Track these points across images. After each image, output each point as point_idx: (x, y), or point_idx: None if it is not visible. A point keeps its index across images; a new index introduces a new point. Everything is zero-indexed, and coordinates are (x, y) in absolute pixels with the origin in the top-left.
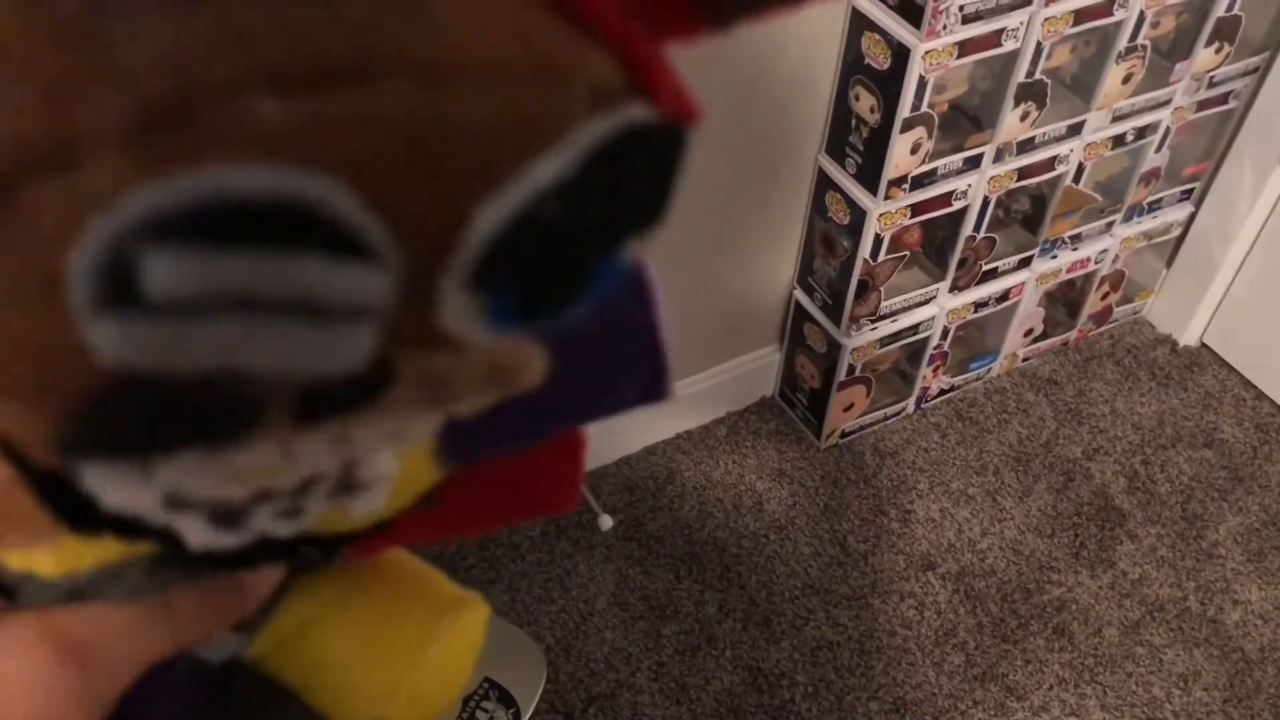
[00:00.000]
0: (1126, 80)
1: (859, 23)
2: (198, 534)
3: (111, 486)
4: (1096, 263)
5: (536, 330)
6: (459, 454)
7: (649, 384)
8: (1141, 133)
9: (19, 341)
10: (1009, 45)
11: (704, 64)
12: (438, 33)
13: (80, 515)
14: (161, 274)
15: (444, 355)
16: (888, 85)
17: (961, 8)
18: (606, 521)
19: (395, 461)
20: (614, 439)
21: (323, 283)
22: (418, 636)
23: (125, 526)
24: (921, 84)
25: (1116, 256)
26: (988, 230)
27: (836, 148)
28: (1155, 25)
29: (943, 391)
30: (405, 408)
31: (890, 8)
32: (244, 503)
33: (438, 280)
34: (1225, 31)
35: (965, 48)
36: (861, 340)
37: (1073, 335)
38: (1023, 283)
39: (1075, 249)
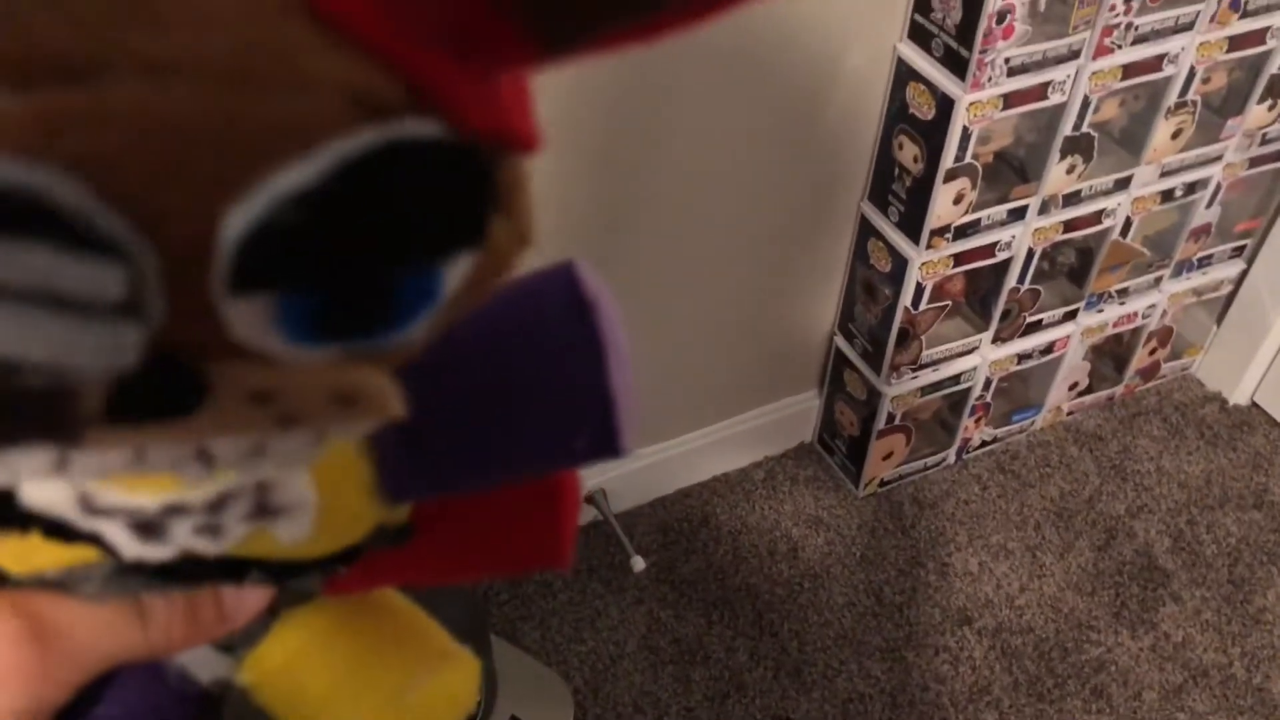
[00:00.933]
0: (1176, 135)
1: (904, 73)
2: (124, 543)
3: None
4: (1144, 318)
5: (357, 349)
6: (397, 491)
7: (599, 436)
8: (1191, 188)
9: None
10: (1055, 98)
11: (750, 108)
12: (168, 32)
13: (3, 513)
14: None
15: (262, 370)
16: (931, 135)
17: (1008, 60)
18: (639, 563)
19: (311, 489)
20: (649, 479)
21: (55, 271)
22: (398, 682)
23: (54, 529)
24: (965, 135)
25: (1165, 312)
26: (1032, 282)
27: (879, 195)
28: (1206, 81)
29: (984, 443)
30: (246, 422)
31: (936, 59)
32: (157, 515)
33: (202, 286)
34: (1278, 88)
35: (1011, 100)
36: (902, 389)
37: (1119, 390)
38: (1068, 336)
39: (1122, 303)
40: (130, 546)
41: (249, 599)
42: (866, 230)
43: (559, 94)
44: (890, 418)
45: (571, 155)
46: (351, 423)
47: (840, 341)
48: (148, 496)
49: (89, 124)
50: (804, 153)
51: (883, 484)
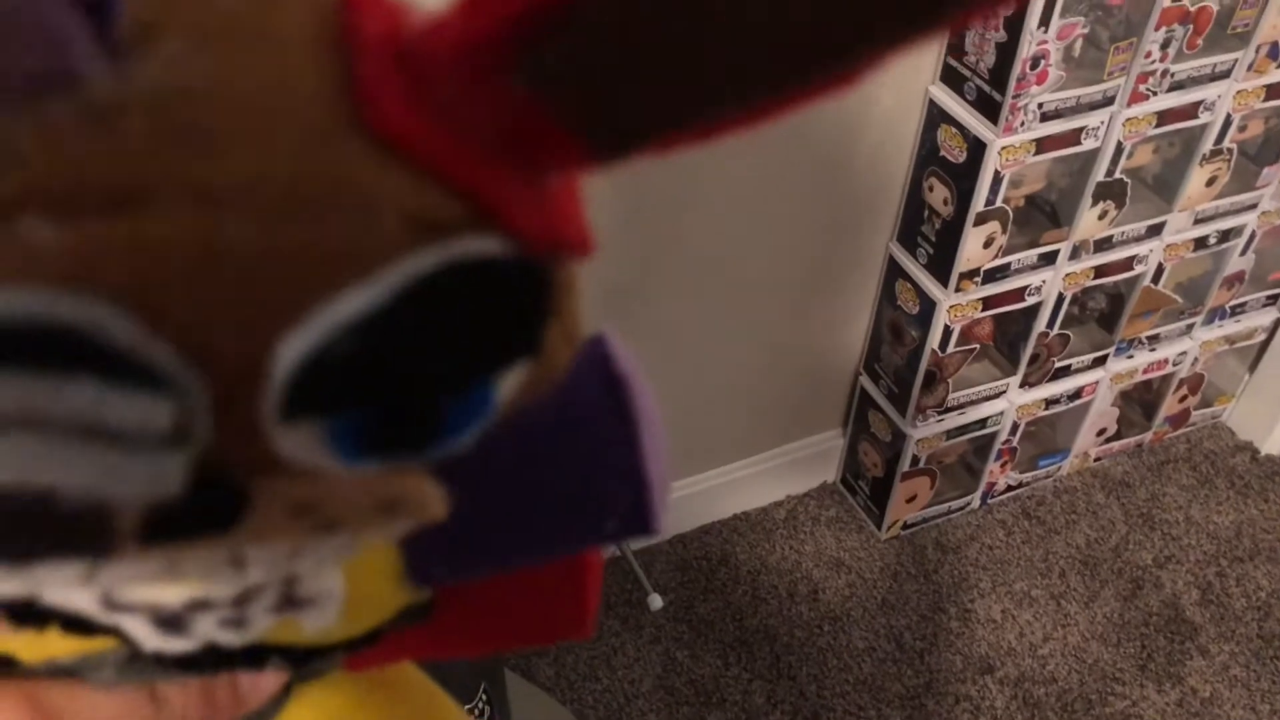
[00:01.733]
0: (1211, 183)
1: (935, 115)
2: (146, 636)
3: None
4: (1175, 365)
5: (405, 463)
6: (426, 577)
7: (630, 515)
8: (1225, 236)
9: None
10: (1089, 144)
11: (781, 148)
12: (220, 161)
13: (23, 611)
14: None
15: (306, 484)
16: (962, 178)
17: (1041, 105)
18: (656, 601)
19: (339, 580)
20: (669, 516)
21: (102, 405)
22: None
23: (74, 624)
24: (997, 179)
25: (1196, 359)
26: (1062, 327)
27: (908, 237)
28: (1243, 129)
29: (1010, 488)
30: (285, 533)
31: (968, 102)
32: (181, 610)
33: (253, 412)
34: None
35: (1043, 145)
36: (927, 431)
37: (1147, 437)
38: (1096, 381)
39: (1153, 350)
40: (151, 639)
41: (264, 680)
42: (895, 271)
43: None
44: (915, 460)
45: (590, 194)
46: (392, 527)
47: (866, 382)
48: (172, 594)
49: (134, 254)
50: (834, 193)
51: (906, 527)
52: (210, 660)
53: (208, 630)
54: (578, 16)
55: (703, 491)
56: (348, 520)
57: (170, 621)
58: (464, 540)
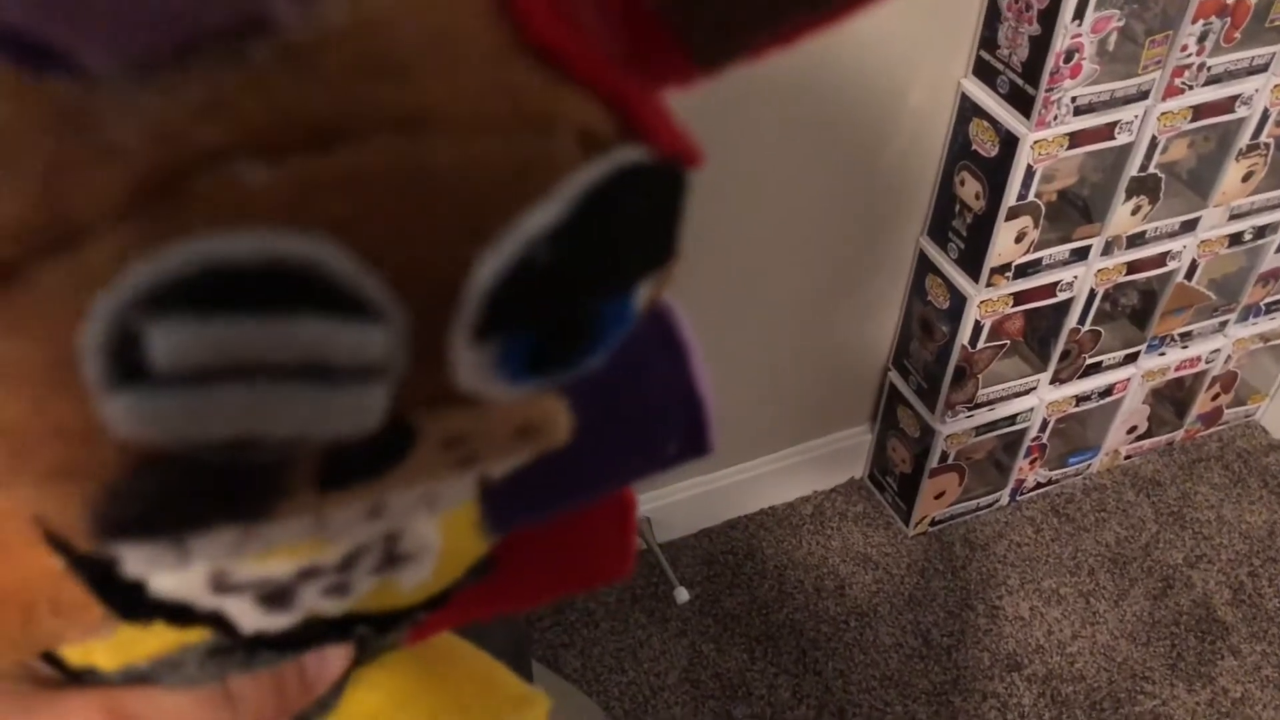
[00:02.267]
0: (1247, 178)
1: (967, 109)
2: (248, 616)
3: (150, 568)
4: (1207, 362)
5: (554, 382)
6: (502, 522)
7: (689, 437)
8: (1261, 232)
9: (44, 424)
10: (1122, 139)
11: (812, 141)
12: (416, 87)
13: (130, 603)
14: (165, 345)
15: (464, 414)
16: (994, 173)
17: (1074, 99)
18: (683, 594)
19: (437, 531)
20: (695, 510)
21: (326, 342)
22: None
23: (176, 613)
24: (1029, 173)
25: (1229, 357)
26: (1093, 323)
27: (939, 231)
28: None
29: (1039, 485)
30: (433, 470)
31: (1000, 95)
32: (290, 581)
33: (445, 335)
34: None
35: (1076, 139)
36: (956, 427)
37: (1179, 435)
38: (1128, 378)
39: (1185, 347)
40: (251, 619)
41: (331, 664)
42: (925, 266)
43: None
44: (944, 456)
45: None
46: (523, 453)
47: (895, 377)
48: (282, 564)
49: (348, 187)
50: (864, 186)
51: (934, 523)
52: (304, 636)
53: (312, 601)
54: None
55: (729, 486)
56: (491, 451)
57: (276, 596)
58: (539, 480)
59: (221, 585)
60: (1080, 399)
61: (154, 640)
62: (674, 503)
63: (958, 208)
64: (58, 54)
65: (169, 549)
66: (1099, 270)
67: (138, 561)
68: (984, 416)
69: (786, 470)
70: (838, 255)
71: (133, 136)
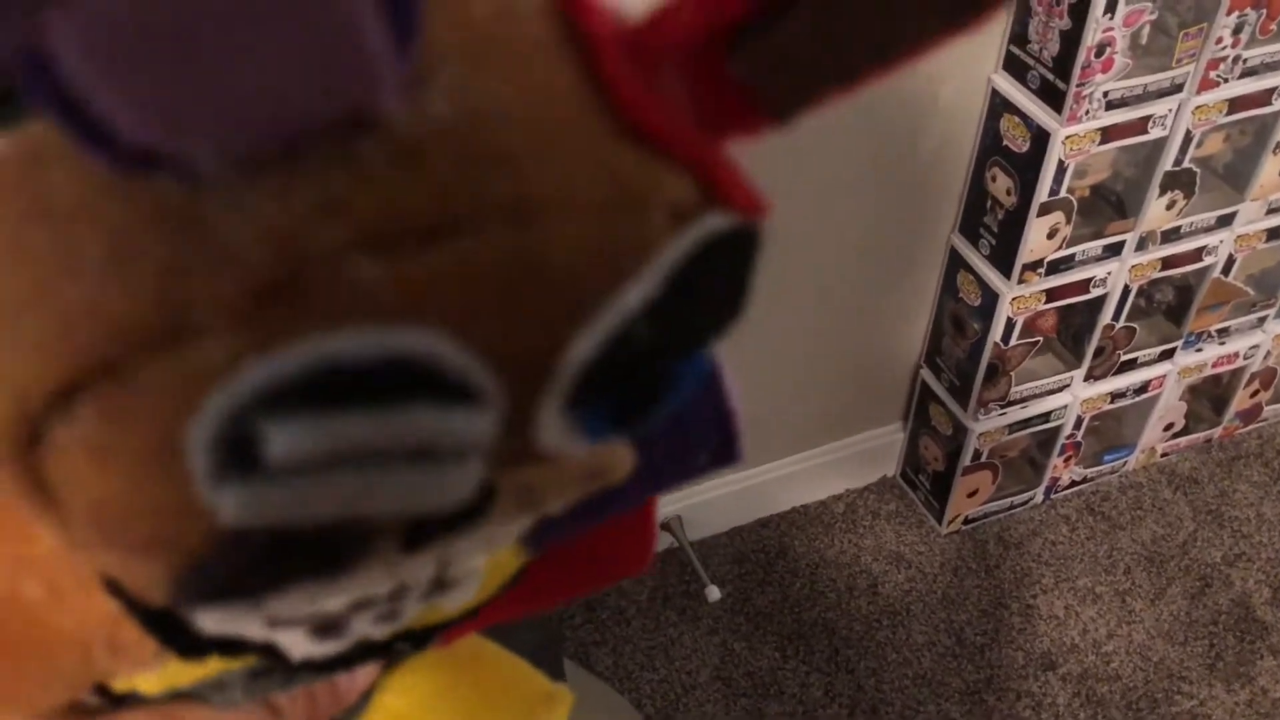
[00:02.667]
0: None
1: (998, 104)
2: (299, 647)
3: (223, 625)
4: (1245, 358)
5: (631, 435)
6: (542, 541)
7: (719, 448)
8: None
9: (140, 502)
10: (1156, 133)
11: (842, 137)
12: (523, 178)
13: (186, 643)
14: (282, 442)
15: (540, 469)
16: (1026, 168)
17: (1106, 94)
18: (714, 593)
19: (483, 558)
20: (726, 508)
21: (434, 430)
22: None
23: (229, 646)
24: (1061, 169)
25: (1268, 353)
26: (1128, 319)
27: (971, 228)
28: None
29: (1074, 483)
30: (502, 518)
31: (1031, 90)
32: (343, 613)
33: (537, 408)
34: None
35: (1109, 134)
36: (989, 425)
37: (1217, 433)
38: (1164, 375)
39: (1222, 343)
40: (303, 649)
41: (360, 675)
42: (956, 263)
43: None
44: (977, 454)
45: None
46: (585, 494)
47: (927, 375)
48: (339, 599)
49: (460, 280)
50: (895, 183)
51: (967, 521)
52: (348, 658)
53: (362, 629)
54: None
55: (760, 484)
56: (555, 498)
57: (329, 627)
58: (588, 501)
59: (277, 621)
60: (1115, 396)
61: (200, 669)
62: (705, 501)
63: (989, 204)
64: (165, 156)
65: (246, 609)
66: (1133, 266)
67: (211, 620)
68: (1017, 414)
69: (818, 469)
70: (869, 252)
71: (247, 240)
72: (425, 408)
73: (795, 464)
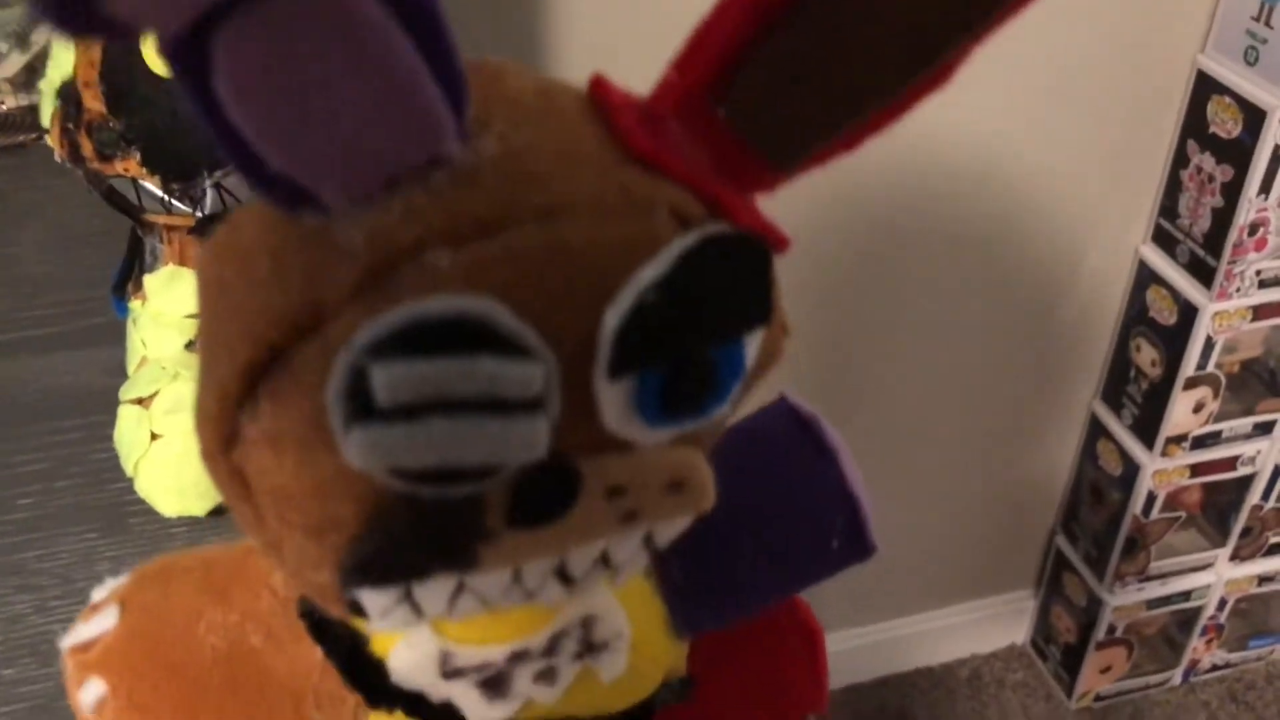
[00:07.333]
0: None
1: (1145, 276)
2: (473, 707)
3: (387, 621)
4: None
5: (688, 424)
6: (688, 621)
7: (849, 535)
8: None
9: (304, 485)
10: None
11: (986, 299)
12: (551, 189)
13: (375, 690)
14: (384, 379)
15: (619, 461)
16: (1172, 341)
17: (1259, 272)
18: None
19: (626, 622)
20: (846, 664)
21: (498, 377)
22: None
23: (412, 702)
24: (1209, 344)
25: None
26: (1279, 500)
27: (1113, 396)
28: None
29: (1215, 667)
30: (602, 523)
31: (1180, 265)
32: (504, 665)
33: (587, 376)
34: None
35: (1260, 312)
36: (1126, 599)
37: None
38: None
39: None
40: (478, 709)
41: None
42: (1097, 430)
43: (795, 273)
44: (1111, 629)
45: (795, 335)
46: (678, 513)
47: (1062, 541)
48: (497, 647)
49: (507, 262)
50: (1038, 344)
51: (1099, 699)
52: None
53: (525, 687)
54: (754, 58)
55: (883, 642)
56: (647, 504)
57: (495, 682)
58: (713, 582)
59: (448, 669)
60: (1263, 579)
61: None
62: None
63: (1133, 373)
64: (309, 195)
65: (399, 600)
66: None
67: (376, 609)
68: (1156, 590)
69: (944, 630)
70: (1008, 412)
71: (358, 242)
72: (488, 358)
73: (920, 623)
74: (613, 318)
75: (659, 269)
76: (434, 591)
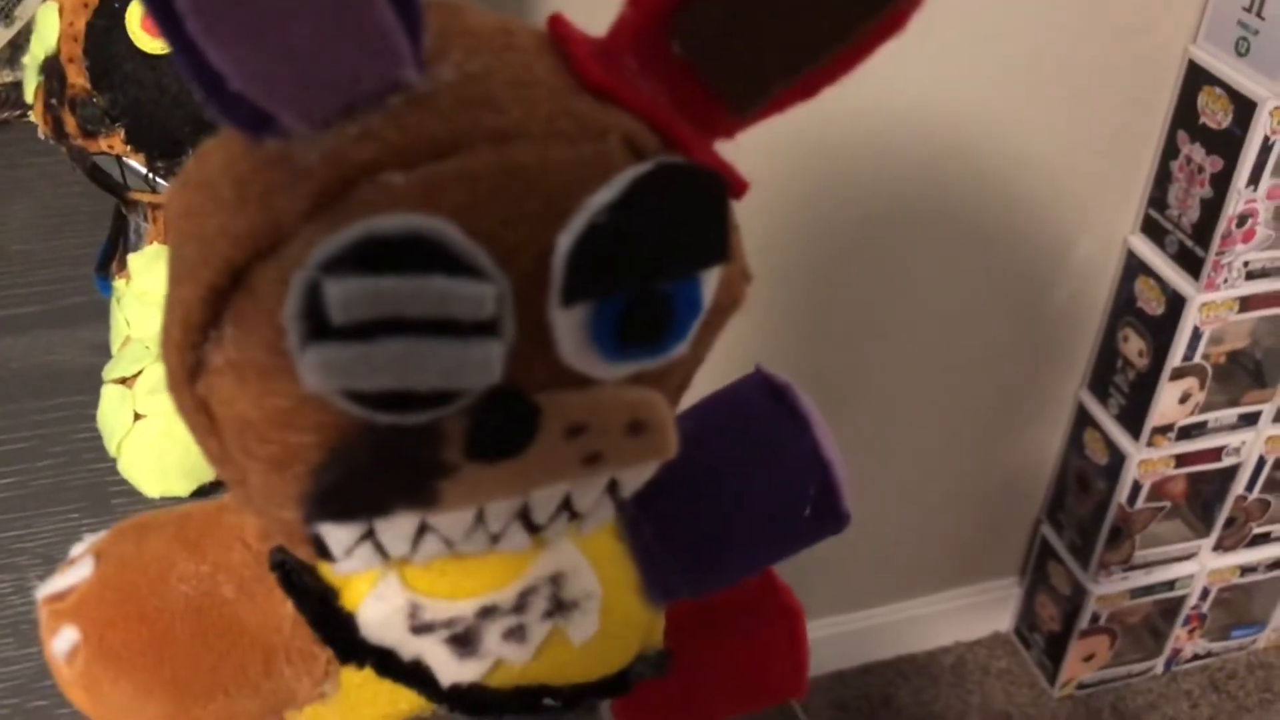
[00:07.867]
0: None
1: (1134, 266)
2: (444, 665)
3: (350, 559)
4: None
5: (646, 360)
6: (661, 591)
7: (822, 502)
8: None
9: (265, 415)
10: None
11: (976, 287)
12: (504, 114)
13: (345, 645)
14: (338, 295)
15: (578, 398)
16: (1159, 331)
17: (1247, 263)
18: None
19: (596, 580)
20: (830, 650)
21: (450, 296)
22: None
23: (383, 659)
24: (1196, 335)
25: None
26: (1262, 491)
27: (1100, 386)
28: None
29: (1197, 656)
30: (563, 464)
31: (1169, 255)
32: (474, 621)
33: (540, 303)
34: None
35: (1248, 303)
36: (1110, 588)
37: None
38: None
39: None
40: (449, 667)
41: None
42: (1084, 419)
43: (783, 260)
44: (1095, 617)
45: (785, 319)
46: (641, 458)
47: (1047, 530)
48: (465, 601)
49: (460, 183)
50: (1025, 333)
51: (1081, 686)
52: (496, 703)
53: (495, 645)
54: None
55: (867, 629)
56: (608, 447)
57: (464, 639)
58: (686, 548)
59: (417, 623)
60: (1245, 569)
61: (370, 712)
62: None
63: (1120, 363)
64: (269, 118)
65: (362, 537)
66: (1269, 437)
67: (339, 547)
68: (1140, 579)
69: (928, 617)
70: (995, 400)
71: (315, 161)
72: (440, 276)
73: (905, 610)
74: (565, 240)
75: (611, 193)
76: (397, 530)
